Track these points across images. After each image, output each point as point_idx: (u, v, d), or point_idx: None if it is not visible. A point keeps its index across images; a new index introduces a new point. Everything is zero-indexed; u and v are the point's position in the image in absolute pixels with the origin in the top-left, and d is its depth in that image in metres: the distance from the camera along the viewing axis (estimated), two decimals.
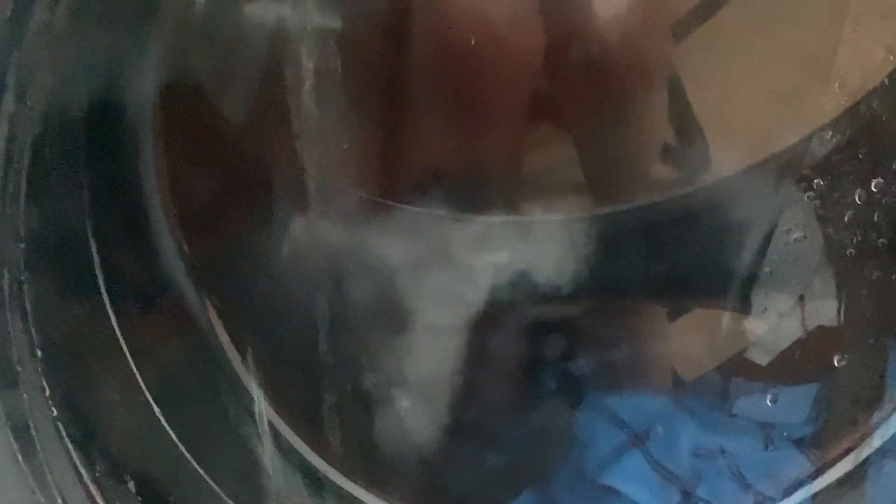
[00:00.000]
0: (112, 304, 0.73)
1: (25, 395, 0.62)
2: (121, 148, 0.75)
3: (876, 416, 0.78)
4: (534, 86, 0.80)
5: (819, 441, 0.81)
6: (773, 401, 0.82)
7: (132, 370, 0.73)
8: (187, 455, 0.75)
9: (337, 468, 0.85)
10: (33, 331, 0.64)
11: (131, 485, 0.70)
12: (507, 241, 0.82)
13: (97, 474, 0.67)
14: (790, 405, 0.83)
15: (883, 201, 0.76)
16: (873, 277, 0.78)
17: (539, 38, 0.78)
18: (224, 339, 0.83)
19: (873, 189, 0.76)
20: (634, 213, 0.83)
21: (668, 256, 0.84)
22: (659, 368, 0.88)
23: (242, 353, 0.84)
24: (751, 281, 0.81)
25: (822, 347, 0.81)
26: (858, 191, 0.76)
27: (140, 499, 0.70)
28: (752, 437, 0.83)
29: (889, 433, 0.77)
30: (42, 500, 0.63)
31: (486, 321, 0.82)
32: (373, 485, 0.86)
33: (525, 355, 0.87)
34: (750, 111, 0.81)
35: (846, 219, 0.77)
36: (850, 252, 0.78)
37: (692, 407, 0.85)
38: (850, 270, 0.78)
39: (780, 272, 0.80)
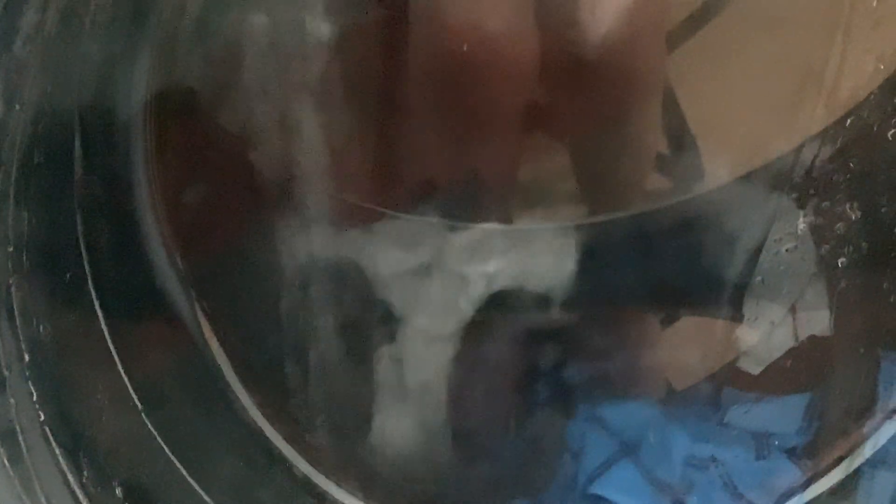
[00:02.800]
0: (102, 309, 0.73)
1: (12, 400, 0.62)
2: (112, 153, 0.75)
3: (867, 426, 0.78)
4: (528, 94, 0.80)
5: (810, 451, 0.81)
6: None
7: (121, 375, 0.73)
8: (176, 462, 0.75)
9: (328, 477, 0.85)
10: (21, 335, 0.63)
11: (119, 491, 0.70)
12: (500, 250, 0.82)
13: (84, 480, 0.67)
14: (782, 415, 0.83)
15: (874, 211, 0.76)
16: (864, 287, 0.78)
17: (533, 47, 0.78)
18: (214, 345, 0.83)
19: (864, 199, 0.76)
20: (628, 222, 0.83)
21: (660, 265, 0.84)
22: (651, 377, 0.88)
23: (233, 361, 0.84)
24: (742, 290, 0.81)
25: (813, 357, 0.81)
26: (849, 201, 0.76)
27: None
28: (743, 446, 0.83)
29: (880, 443, 0.77)
30: None
31: (479, 329, 0.82)
32: (365, 494, 0.86)
33: (517, 364, 0.87)
34: (743, 121, 0.81)
35: (837, 229, 0.77)
36: (842, 262, 0.78)
37: (684, 416, 0.85)
38: (842, 280, 0.78)
39: (772, 282, 0.80)
